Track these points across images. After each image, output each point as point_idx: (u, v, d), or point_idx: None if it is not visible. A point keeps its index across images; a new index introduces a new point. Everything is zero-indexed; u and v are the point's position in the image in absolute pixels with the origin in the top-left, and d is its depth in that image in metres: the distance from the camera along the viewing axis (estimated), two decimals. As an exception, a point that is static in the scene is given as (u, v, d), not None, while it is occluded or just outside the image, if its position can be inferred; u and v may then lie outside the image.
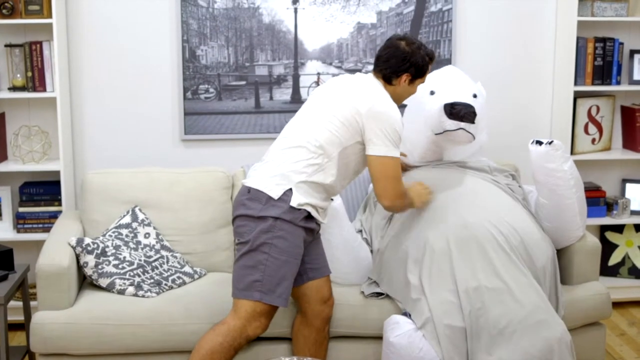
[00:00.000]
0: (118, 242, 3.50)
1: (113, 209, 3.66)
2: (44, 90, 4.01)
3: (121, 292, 3.35)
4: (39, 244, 3.85)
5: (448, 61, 4.29)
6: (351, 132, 3.00)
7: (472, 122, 3.39)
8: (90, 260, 3.37)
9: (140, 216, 3.64)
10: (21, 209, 4.07)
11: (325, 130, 3.00)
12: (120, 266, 3.41)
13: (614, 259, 4.57)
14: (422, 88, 3.39)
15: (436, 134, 3.48)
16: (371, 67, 3.21)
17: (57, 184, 4.05)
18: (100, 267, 3.38)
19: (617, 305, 4.37)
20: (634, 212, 4.49)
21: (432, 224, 3.26)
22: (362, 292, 3.39)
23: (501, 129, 4.41)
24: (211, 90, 4.24)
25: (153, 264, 3.51)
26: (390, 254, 3.36)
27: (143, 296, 3.34)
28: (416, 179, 3.45)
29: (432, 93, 3.52)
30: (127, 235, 3.57)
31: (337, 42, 4.30)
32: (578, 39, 4.25)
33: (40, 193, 4.08)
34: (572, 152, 4.33)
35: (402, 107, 3.21)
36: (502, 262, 3.12)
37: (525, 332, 3.00)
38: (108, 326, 3.19)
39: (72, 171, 4.15)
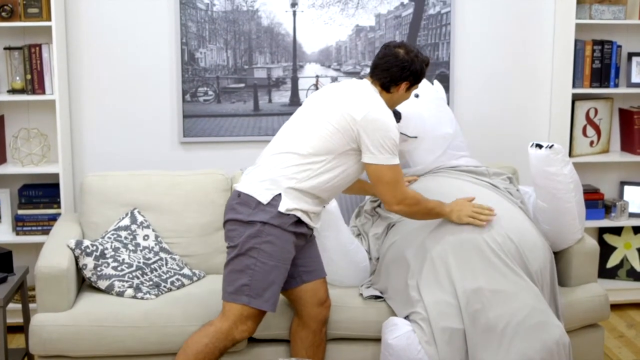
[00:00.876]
0: (117, 244, 3.50)
1: (112, 211, 3.66)
2: (43, 92, 4.01)
3: (120, 294, 3.35)
4: (38, 246, 3.85)
5: (447, 64, 4.29)
6: (346, 138, 2.97)
7: (397, 121, 3.29)
8: (89, 262, 3.37)
9: (139, 218, 3.64)
10: (20, 212, 4.07)
11: (318, 136, 2.98)
12: (119, 268, 3.41)
13: (613, 261, 4.57)
14: None
15: None
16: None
17: (56, 186, 4.05)
18: (99, 269, 3.38)
19: (615, 307, 4.37)
20: (632, 215, 4.49)
21: (430, 230, 3.26)
22: (361, 294, 3.40)
23: (499, 132, 4.42)
24: (210, 92, 4.24)
25: (152, 266, 3.52)
26: (389, 262, 3.36)
27: (142, 298, 3.35)
28: (415, 186, 3.45)
29: None
30: (126, 238, 3.57)
31: (335, 45, 4.31)
32: (576, 41, 4.26)
33: (40, 195, 4.09)
34: (570, 155, 4.33)
35: None
36: (500, 265, 3.12)
37: (524, 334, 3.00)
38: (107, 328, 3.19)
39: (71, 174, 4.15)
